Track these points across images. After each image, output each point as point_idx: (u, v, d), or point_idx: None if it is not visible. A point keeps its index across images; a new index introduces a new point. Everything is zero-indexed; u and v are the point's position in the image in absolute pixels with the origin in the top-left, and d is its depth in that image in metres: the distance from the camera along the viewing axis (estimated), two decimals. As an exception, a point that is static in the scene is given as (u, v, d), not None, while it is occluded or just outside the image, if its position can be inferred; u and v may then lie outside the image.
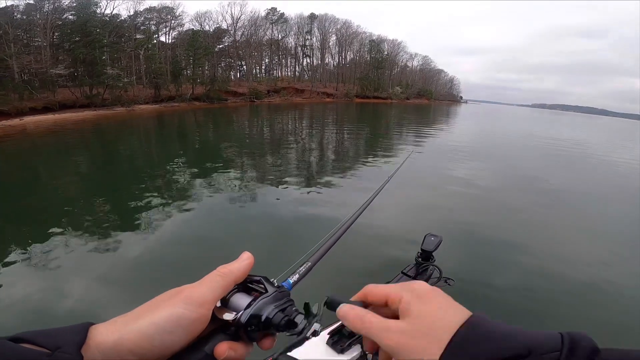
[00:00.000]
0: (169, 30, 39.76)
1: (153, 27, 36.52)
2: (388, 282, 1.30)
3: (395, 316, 0.35)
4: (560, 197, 8.03)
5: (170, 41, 40.05)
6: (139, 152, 12.68)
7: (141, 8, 34.74)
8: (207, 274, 0.37)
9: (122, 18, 33.26)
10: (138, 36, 33.60)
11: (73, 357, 0.28)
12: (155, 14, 36.69)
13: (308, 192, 7.15)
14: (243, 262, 0.38)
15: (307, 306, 0.39)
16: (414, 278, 1.46)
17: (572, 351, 0.27)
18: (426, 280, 1.37)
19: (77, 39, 27.14)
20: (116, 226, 5.31)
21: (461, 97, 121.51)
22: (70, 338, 0.29)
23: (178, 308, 0.33)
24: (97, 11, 29.30)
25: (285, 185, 7.59)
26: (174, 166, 9.74)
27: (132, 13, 33.39)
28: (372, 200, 0.90)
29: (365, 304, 0.38)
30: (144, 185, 7.74)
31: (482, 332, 0.30)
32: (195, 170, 9.23)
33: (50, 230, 4.93)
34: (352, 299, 0.39)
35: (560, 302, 3.65)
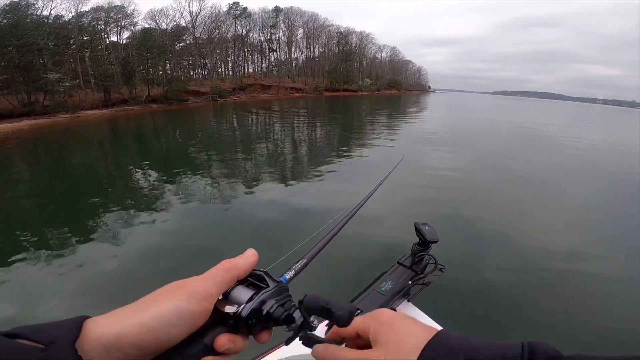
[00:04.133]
0: (120, 30, 36.90)
1: (101, 27, 33.56)
2: (384, 273, 1.48)
3: (369, 345, 0.37)
4: (533, 180, 8.50)
5: (123, 41, 37.22)
6: (93, 164, 11.07)
7: (86, 8, 31.80)
8: (211, 267, 0.37)
9: (66, 19, 30.29)
10: (86, 37, 30.64)
11: (67, 352, 0.28)
12: (103, 14, 33.76)
13: (294, 190, 7.23)
14: (248, 259, 0.39)
15: (302, 302, 0.40)
16: (410, 267, 1.48)
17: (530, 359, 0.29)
18: (423, 270, 1.48)
19: (9, 42, 24.10)
20: (85, 242, 4.86)
21: (429, 87, 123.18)
22: (64, 332, 0.29)
23: (182, 301, 0.33)
24: (32, 13, 26.21)
25: (273, 184, 7.58)
26: (138, 175, 9.06)
27: (73, 14, 30.39)
28: (366, 201, 0.92)
29: (340, 340, 0.40)
30: (106, 199, 6.96)
31: (445, 347, 0.32)
32: (165, 177, 8.69)
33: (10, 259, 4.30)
34: (327, 336, 0.40)
35: (541, 291, 3.71)
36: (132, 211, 6.07)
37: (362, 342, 0.38)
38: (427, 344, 0.32)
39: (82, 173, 9.69)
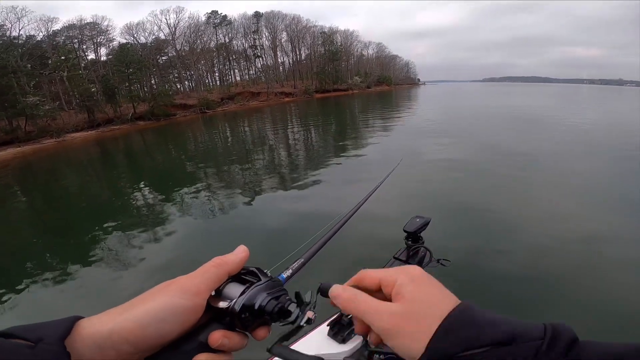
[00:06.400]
0: (97, 47, 35.91)
1: (76, 46, 32.58)
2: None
3: (388, 301, 0.35)
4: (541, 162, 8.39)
5: (102, 59, 36.24)
6: (87, 188, 11.01)
7: (57, 27, 30.86)
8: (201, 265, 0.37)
9: (39, 39, 29.31)
10: (61, 57, 29.64)
11: (55, 349, 0.28)
12: (76, 31, 32.79)
13: (292, 194, 7.24)
14: (238, 255, 0.39)
15: (298, 295, 0.40)
16: (406, 262, 1.45)
17: (553, 340, 0.28)
18: (419, 263, 1.43)
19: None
20: (81, 263, 5.06)
21: (419, 80, 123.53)
22: (53, 330, 0.29)
23: (173, 297, 0.33)
24: (2, 34, 25.25)
25: (265, 190, 7.68)
26: (137, 196, 9.10)
27: (44, 33, 29.45)
28: (363, 203, 0.92)
29: (359, 289, 0.38)
30: (102, 221, 6.90)
31: (468, 319, 0.31)
32: (163, 193, 8.77)
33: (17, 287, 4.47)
34: (346, 284, 0.39)
35: (550, 283, 3.56)
36: (131, 231, 6.11)
37: (380, 297, 0.36)
38: (449, 313, 0.31)
39: (76, 199, 9.54)
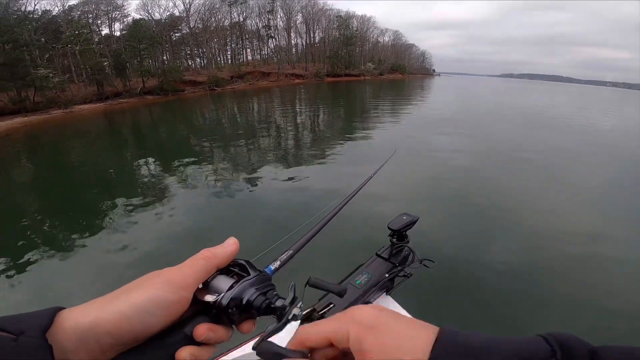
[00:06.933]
0: (112, 23, 35.69)
1: (91, 21, 32.40)
2: (361, 266, 1.39)
3: (351, 356, 0.30)
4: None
5: (117, 34, 36.09)
6: (94, 159, 10.91)
7: (74, 1, 30.67)
8: (189, 257, 0.36)
9: (54, 13, 29.19)
10: (76, 32, 29.62)
11: (37, 342, 0.27)
12: (92, 6, 32.52)
13: (288, 180, 7.02)
14: (228, 248, 0.38)
15: (291, 294, 0.39)
16: (388, 259, 1.42)
17: (569, 356, 0.24)
18: (402, 262, 1.40)
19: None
20: (84, 233, 5.09)
21: (434, 70, 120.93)
22: (35, 322, 0.29)
23: (158, 290, 0.32)
24: (18, 8, 25.15)
25: (262, 174, 7.49)
26: (140, 168, 9.12)
27: (60, 9, 29.28)
28: (354, 195, 0.90)
29: (306, 352, 0.33)
30: (109, 191, 7.15)
31: (459, 348, 0.26)
32: (166, 168, 8.78)
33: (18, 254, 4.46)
34: (289, 346, 0.34)
35: (546, 285, 3.54)
36: (130, 202, 6.16)
37: (334, 353, 0.32)
38: (433, 348, 0.26)
39: (83, 169, 9.57)
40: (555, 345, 0.25)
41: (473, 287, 3.50)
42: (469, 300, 3.26)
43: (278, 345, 0.33)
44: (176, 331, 0.33)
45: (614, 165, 8.65)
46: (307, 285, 0.40)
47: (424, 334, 0.27)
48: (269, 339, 0.35)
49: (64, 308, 0.31)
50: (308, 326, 0.33)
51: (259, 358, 0.32)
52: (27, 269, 4.17)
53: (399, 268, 1.39)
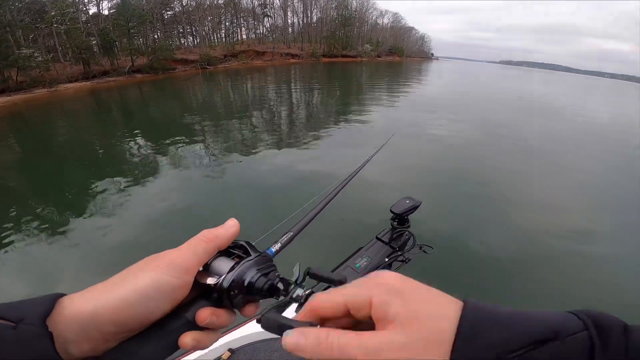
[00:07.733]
0: (99, 1, 34.18)
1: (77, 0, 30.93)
2: (361, 249, 1.39)
3: (366, 327, 0.27)
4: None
5: (104, 12, 34.60)
6: (81, 138, 10.54)
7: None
8: (190, 238, 0.35)
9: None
10: (61, 11, 28.25)
11: (37, 329, 0.26)
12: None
13: (285, 162, 6.92)
14: (229, 229, 0.36)
15: (308, 272, 0.38)
16: (388, 243, 1.41)
17: (601, 330, 0.23)
18: (402, 247, 1.38)
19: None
20: (75, 214, 4.98)
21: (432, 54, 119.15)
22: (34, 309, 0.28)
23: (161, 274, 0.31)
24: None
25: (258, 156, 7.36)
26: (131, 146, 8.81)
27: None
28: (352, 178, 0.90)
29: (317, 322, 0.30)
30: (98, 171, 6.88)
31: (486, 319, 0.25)
32: (157, 147, 8.50)
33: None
34: (298, 317, 0.30)
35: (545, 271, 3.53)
36: (120, 182, 6.01)
37: (349, 322, 0.29)
38: (461, 319, 0.25)
39: (68, 148, 9.25)
40: (586, 319, 0.24)
41: (470, 274, 3.43)
42: (466, 286, 3.21)
43: (284, 317, 0.31)
44: (177, 316, 0.32)
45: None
46: (308, 277, 0.38)
47: (452, 305, 0.26)
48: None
49: (64, 294, 0.30)
50: (323, 294, 0.30)
51: (262, 331, 0.31)
52: (10, 249, 4.01)
53: (399, 253, 1.37)
